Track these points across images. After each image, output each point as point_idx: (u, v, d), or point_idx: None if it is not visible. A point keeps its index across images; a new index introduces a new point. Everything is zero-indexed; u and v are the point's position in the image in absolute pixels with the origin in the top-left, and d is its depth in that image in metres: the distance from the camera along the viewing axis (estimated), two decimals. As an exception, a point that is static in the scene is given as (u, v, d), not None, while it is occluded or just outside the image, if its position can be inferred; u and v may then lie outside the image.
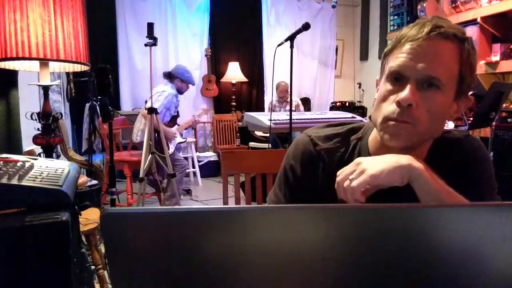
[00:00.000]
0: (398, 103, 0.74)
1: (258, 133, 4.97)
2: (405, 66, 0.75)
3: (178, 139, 3.86)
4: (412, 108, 0.74)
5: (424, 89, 0.74)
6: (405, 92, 0.74)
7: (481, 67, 3.58)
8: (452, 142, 0.87)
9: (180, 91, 3.68)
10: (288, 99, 4.53)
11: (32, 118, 1.72)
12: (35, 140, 1.70)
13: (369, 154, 0.87)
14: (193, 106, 5.39)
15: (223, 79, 5.63)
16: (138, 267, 0.45)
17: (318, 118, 3.55)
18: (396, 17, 4.82)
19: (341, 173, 0.75)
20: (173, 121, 3.76)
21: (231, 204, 1.95)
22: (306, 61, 6.01)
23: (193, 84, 3.88)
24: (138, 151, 3.56)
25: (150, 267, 0.45)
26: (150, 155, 3.13)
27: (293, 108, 4.67)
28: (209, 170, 5.18)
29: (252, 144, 5.24)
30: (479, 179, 0.85)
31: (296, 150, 0.93)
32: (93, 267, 1.77)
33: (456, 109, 0.81)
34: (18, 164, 1.00)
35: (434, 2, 4.23)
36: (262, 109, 5.75)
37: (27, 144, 2.02)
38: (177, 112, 3.81)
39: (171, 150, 3.58)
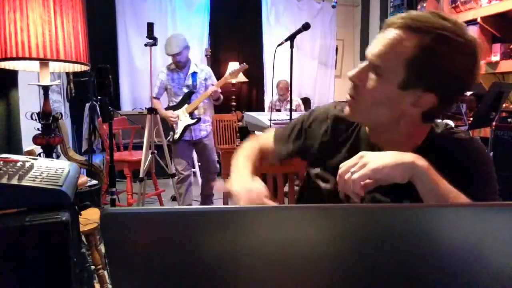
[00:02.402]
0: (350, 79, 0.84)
1: (258, 133, 4.97)
2: (367, 51, 0.81)
3: (185, 121, 3.23)
4: (357, 85, 0.83)
5: (373, 72, 0.79)
6: (354, 70, 0.82)
7: (481, 67, 3.58)
8: (457, 142, 0.87)
9: (175, 65, 3.26)
10: (289, 98, 4.52)
11: (32, 118, 1.72)
12: (35, 140, 1.70)
13: (366, 134, 0.93)
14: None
15: (223, 79, 5.63)
16: (138, 267, 0.45)
17: (318, 118, 3.53)
18: (396, 17, 4.82)
19: (344, 165, 0.76)
20: (185, 100, 3.26)
21: (231, 204, 1.95)
22: (306, 61, 6.01)
23: (167, 54, 3.21)
24: (138, 151, 3.54)
25: (150, 267, 0.45)
26: (150, 155, 3.13)
27: (294, 108, 4.66)
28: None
29: None
30: (481, 180, 0.85)
31: (319, 106, 1.06)
32: (93, 267, 1.76)
33: (412, 102, 0.78)
34: (18, 164, 1.00)
35: (434, 2, 4.23)
36: (262, 109, 5.75)
37: (27, 144, 2.02)
38: (188, 87, 3.24)
39: (176, 135, 3.24)
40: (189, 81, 3.25)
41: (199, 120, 3.27)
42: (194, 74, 3.26)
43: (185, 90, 3.25)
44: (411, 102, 0.78)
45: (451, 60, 0.73)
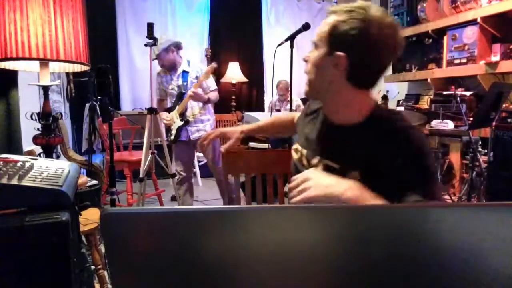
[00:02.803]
0: None
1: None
2: None
3: (177, 122, 3.19)
4: (306, 62, 1.03)
5: (314, 48, 1.02)
6: None
7: (481, 67, 3.58)
8: (400, 130, 0.97)
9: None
10: (289, 98, 4.51)
11: (32, 118, 1.72)
12: (35, 140, 1.70)
13: (323, 111, 1.11)
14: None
15: (223, 79, 5.63)
16: (138, 267, 0.45)
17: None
18: (396, 17, 4.81)
19: (292, 182, 0.93)
20: (177, 101, 3.22)
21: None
22: (306, 61, 6.01)
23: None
24: (138, 151, 3.54)
25: (150, 267, 0.45)
26: (150, 155, 3.13)
27: (294, 108, 4.66)
28: (209, 170, 5.17)
29: (252, 144, 5.23)
30: (420, 176, 0.93)
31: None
32: (93, 267, 1.77)
33: (333, 64, 0.97)
34: (18, 164, 1.00)
35: (434, 2, 4.22)
36: (262, 109, 5.75)
37: (27, 144, 2.02)
38: (179, 88, 3.19)
39: (171, 137, 3.21)
40: (180, 81, 3.18)
41: (187, 122, 3.19)
42: (184, 74, 3.18)
43: (177, 90, 3.20)
44: (333, 64, 0.97)
45: (356, 30, 0.92)
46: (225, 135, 1.37)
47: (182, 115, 3.18)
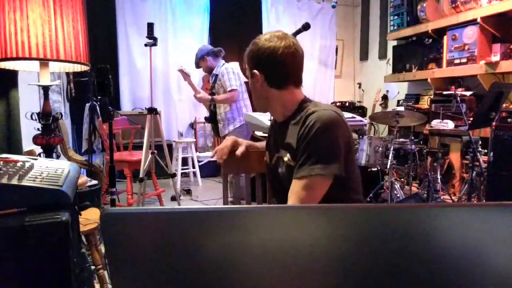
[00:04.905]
0: None
1: (258, 133, 4.97)
2: None
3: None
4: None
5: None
6: None
7: (481, 67, 3.58)
8: (308, 115, 1.18)
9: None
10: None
11: (32, 118, 1.72)
12: (35, 140, 1.70)
13: (274, 118, 1.40)
14: (193, 106, 5.39)
15: (223, 79, 5.63)
16: (138, 267, 0.45)
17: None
18: (396, 17, 4.82)
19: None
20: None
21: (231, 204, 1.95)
22: (306, 61, 5.96)
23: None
24: (138, 151, 3.54)
25: (150, 267, 0.45)
26: (150, 155, 3.13)
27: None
28: (209, 170, 5.18)
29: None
30: (307, 150, 1.15)
31: None
32: (93, 267, 1.76)
33: (256, 80, 1.27)
34: (18, 164, 1.00)
35: (434, 2, 4.23)
36: (262, 109, 5.74)
37: (27, 144, 2.02)
38: (212, 88, 3.67)
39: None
40: (212, 83, 3.59)
41: (206, 118, 3.75)
42: (216, 76, 3.55)
43: (210, 91, 3.64)
44: (256, 81, 1.27)
45: (257, 52, 1.25)
46: (238, 142, 1.53)
47: (212, 112, 3.61)
